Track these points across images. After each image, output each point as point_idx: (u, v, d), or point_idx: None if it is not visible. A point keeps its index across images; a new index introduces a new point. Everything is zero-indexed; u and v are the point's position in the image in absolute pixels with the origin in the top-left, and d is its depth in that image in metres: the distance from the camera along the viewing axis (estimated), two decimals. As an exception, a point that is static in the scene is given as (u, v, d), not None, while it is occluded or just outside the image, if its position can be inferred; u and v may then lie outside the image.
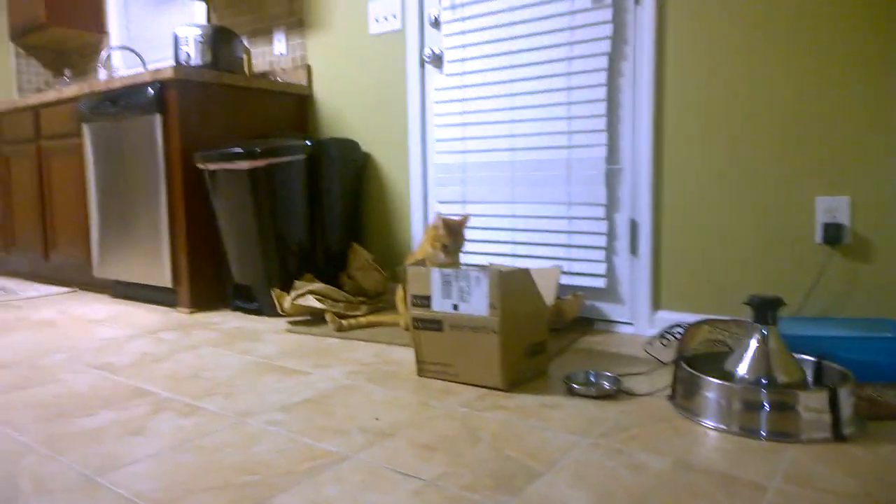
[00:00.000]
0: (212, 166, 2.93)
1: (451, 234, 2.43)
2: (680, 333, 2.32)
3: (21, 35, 4.97)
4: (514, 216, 2.86)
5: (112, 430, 1.62)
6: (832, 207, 2.20)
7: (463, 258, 2.94)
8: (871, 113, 2.13)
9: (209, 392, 1.91)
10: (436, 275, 1.97)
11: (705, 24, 2.40)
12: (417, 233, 3.23)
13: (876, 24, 2.11)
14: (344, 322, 2.67)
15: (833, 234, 2.19)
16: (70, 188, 3.70)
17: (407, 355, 2.28)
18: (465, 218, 2.48)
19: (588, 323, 2.73)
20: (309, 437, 1.57)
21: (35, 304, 3.43)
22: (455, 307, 1.94)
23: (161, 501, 1.25)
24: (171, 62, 4.03)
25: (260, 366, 2.19)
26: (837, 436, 1.50)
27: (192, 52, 3.50)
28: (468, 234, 2.96)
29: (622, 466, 1.38)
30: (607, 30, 2.57)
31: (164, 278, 3.15)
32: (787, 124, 2.28)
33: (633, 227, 2.62)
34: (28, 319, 3.01)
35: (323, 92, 3.61)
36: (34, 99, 3.85)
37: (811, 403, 1.52)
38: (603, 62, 2.59)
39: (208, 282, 3.17)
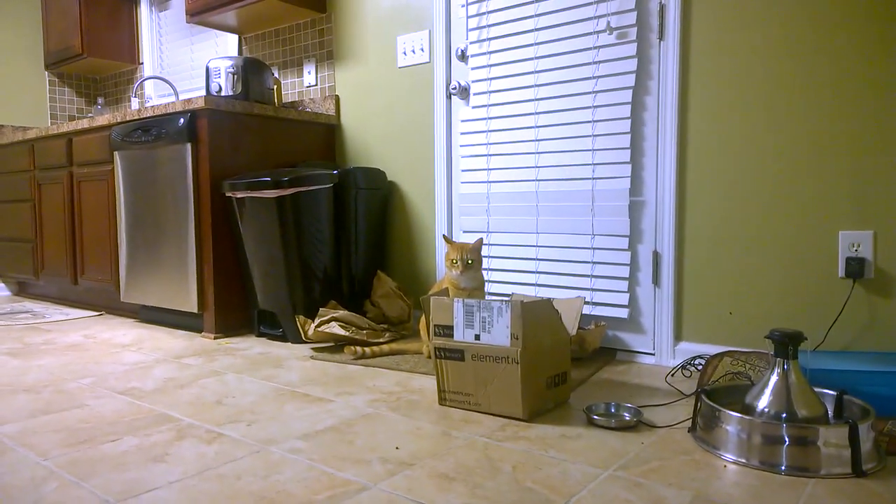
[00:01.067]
0: (239, 194, 2.98)
1: (457, 249, 2.47)
2: (702, 365, 2.32)
3: (56, 64, 5.10)
4: (538, 246, 2.88)
5: (135, 456, 1.65)
6: (855, 242, 2.19)
7: (487, 287, 2.96)
8: None
9: (232, 419, 1.94)
10: (458, 305, 1.99)
11: (728, 59, 2.42)
12: (442, 261, 3.25)
13: (899, 58, 2.12)
14: (367, 350, 2.69)
15: (856, 268, 2.18)
16: (100, 214, 3.78)
17: (429, 384, 2.30)
18: (479, 240, 2.52)
19: (610, 353, 2.73)
20: (330, 465, 1.58)
21: (62, 327, 3.49)
22: (477, 337, 1.96)
23: (183, 527, 1.27)
24: (204, 92, 4.11)
25: (283, 393, 2.21)
26: (857, 471, 1.49)
27: (224, 83, 3.57)
28: (497, 262, 2.99)
29: (641, 500, 1.38)
30: (632, 64, 2.60)
31: (190, 304, 3.20)
32: (812, 158, 2.28)
33: (656, 258, 2.62)
34: (55, 343, 3.06)
35: (350, 122, 3.66)
36: (67, 126, 3.95)
37: (831, 438, 1.52)
38: (627, 96, 2.61)
39: (233, 308, 3.21)
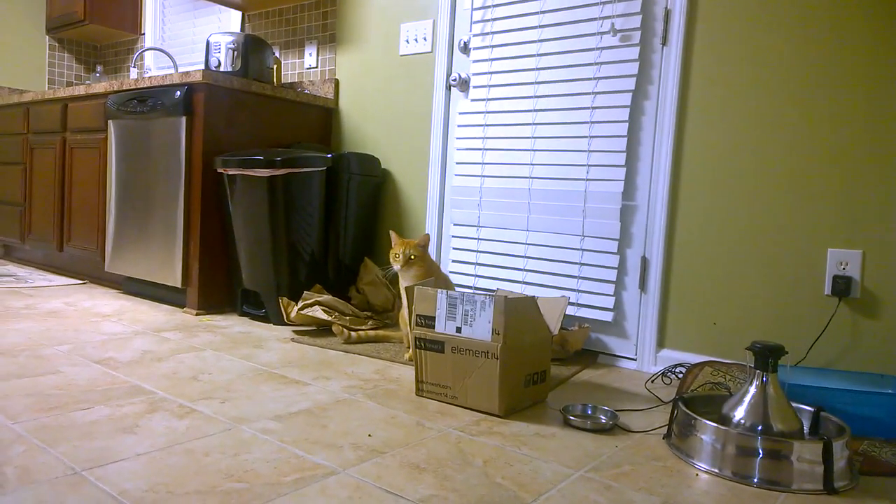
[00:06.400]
0: (231, 171, 2.95)
1: (401, 245, 2.43)
2: (682, 373, 2.31)
3: (57, 29, 5.06)
4: (527, 244, 2.86)
5: (105, 426, 1.63)
6: (843, 260, 2.19)
7: (475, 280, 2.95)
8: (890, 169, 2.12)
9: (206, 395, 1.92)
10: (442, 296, 1.98)
11: (730, 69, 2.41)
12: (431, 252, 3.23)
13: (892, 78, 2.11)
14: (353, 334, 2.68)
15: (842, 287, 2.17)
16: (90, 182, 3.75)
17: (408, 373, 2.28)
18: (426, 236, 2.50)
19: (592, 355, 2.72)
20: (300, 448, 1.57)
21: (44, 293, 3.47)
22: (458, 330, 1.94)
23: (143, 502, 1.26)
24: (203, 67, 4.08)
25: (260, 373, 2.19)
26: (829, 488, 1.49)
27: (223, 59, 3.55)
28: (486, 258, 2.97)
29: (610, 503, 1.37)
30: (633, 68, 2.58)
31: (174, 278, 3.17)
32: (804, 175, 2.27)
33: (644, 264, 2.61)
34: (36, 308, 3.04)
35: (348, 106, 3.64)
36: (64, 92, 3.91)
37: (805, 454, 1.51)
38: (626, 99, 2.60)
39: (218, 285, 3.19)
